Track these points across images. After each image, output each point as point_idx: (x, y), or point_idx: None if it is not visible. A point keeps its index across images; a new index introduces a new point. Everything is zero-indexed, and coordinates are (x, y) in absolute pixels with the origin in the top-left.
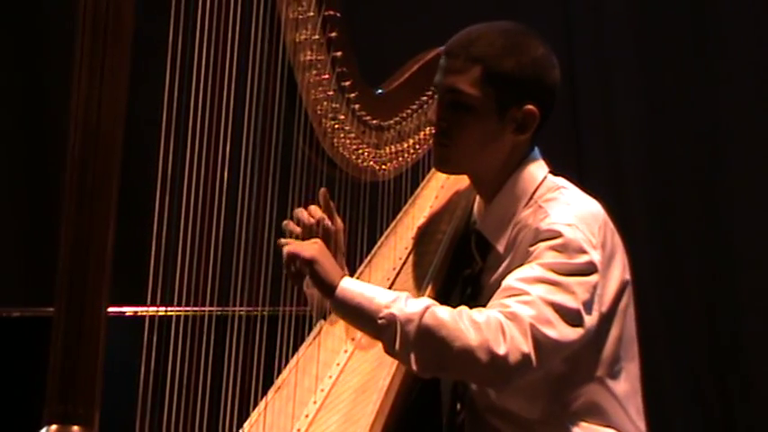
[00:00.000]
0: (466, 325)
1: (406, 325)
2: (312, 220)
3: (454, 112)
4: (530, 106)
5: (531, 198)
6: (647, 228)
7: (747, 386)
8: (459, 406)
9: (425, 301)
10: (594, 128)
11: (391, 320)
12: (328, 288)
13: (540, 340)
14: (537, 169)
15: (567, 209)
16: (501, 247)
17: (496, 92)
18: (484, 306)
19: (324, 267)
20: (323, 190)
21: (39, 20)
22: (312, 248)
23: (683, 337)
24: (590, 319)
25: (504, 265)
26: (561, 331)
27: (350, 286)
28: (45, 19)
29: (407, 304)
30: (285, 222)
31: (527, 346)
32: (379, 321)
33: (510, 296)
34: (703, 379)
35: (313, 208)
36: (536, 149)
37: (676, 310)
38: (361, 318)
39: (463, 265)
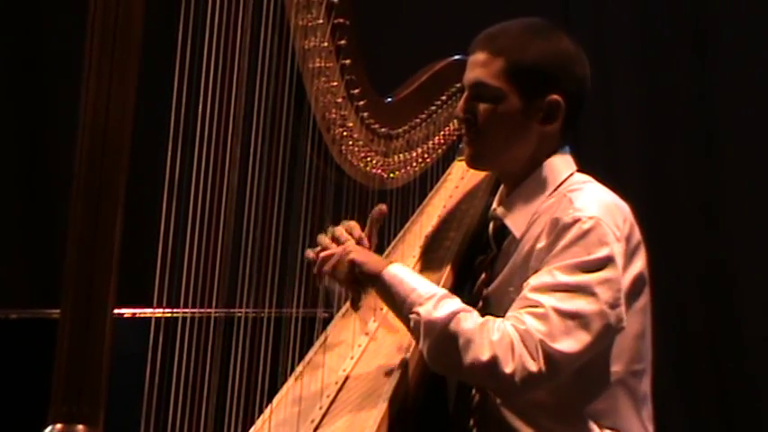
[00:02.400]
0: (481, 339)
1: (430, 328)
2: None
3: (480, 105)
4: (554, 96)
5: (555, 190)
6: (646, 227)
7: (747, 388)
8: (473, 391)
9: (455, 306)
10: (593, 126)
11: (417, 321)
12: (374, 279)
13: (551, 355)
14: (564, 164)
15: (592, 199)
16: (518, 234)
17: (520, 83)
18: (495, 293)
19: (365, 261)
20: (382, 208)
21: (41, 20)
22: (350, 250)
23: (682, 338)
24: (615, 315)
25: (519, 251)
26: (576, 339)
27: (395, 272)
28: (47, 19)
29: (437, 306)
30: (320, 237)
31: (535, 365)
32: (410, 316)
33: (525, 307)
34: (702, 381)
35: (352, 225)
36: (566, 147)
37: (675, 310)
38: (396, 308)
39: (477, 254)
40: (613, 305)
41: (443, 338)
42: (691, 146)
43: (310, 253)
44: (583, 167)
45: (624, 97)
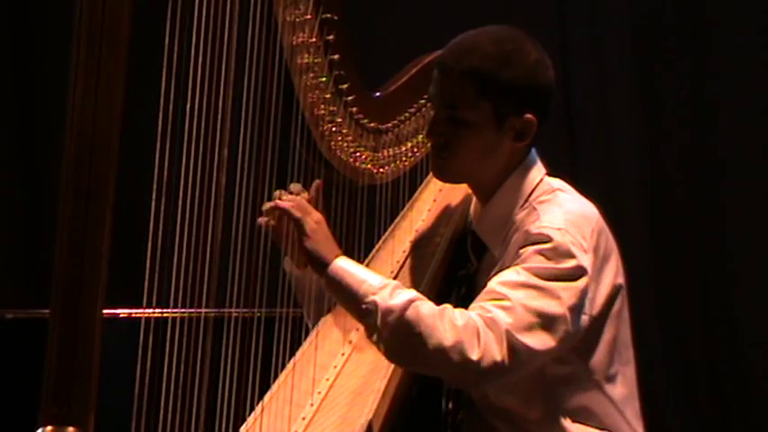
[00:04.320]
0: (444, 325)
1: (386, 315)
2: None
3: (451, 126)
4: (528, 115)
5: (526, 200)
6: (642, 230)
7: (743, 389)
8: (450, 404)
9: (411, 294)
10: (589, 131)
11: (372, 309)
12: (320, 263)
13: (515, 347)
14: (534, 171)
15: (558, 212)
16: (495, 249)
17: (492, 105)
18: None
19: (318, 240)
20: (317, 182)
21: (30, 20)
22: (310, 217)
23: (679, 341)
24: (576, 324)
25: (497, 266)
26: (539, 338)
27: (343, 265)
28: (37, 19)
29: (393, 295)
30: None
31: (499, 354)
32: (363, 306)
33: (491, 299)
34: (699, 382)
35: (292, 185)
36: (533, 151)
37: (671, 312)
38: (347, 299)
39: (459, 266)
40: (575, 311)
41: (402, 325)
42: (688, 145)
43: (262, 221)
44: (579, 169)
45: (620, 96)
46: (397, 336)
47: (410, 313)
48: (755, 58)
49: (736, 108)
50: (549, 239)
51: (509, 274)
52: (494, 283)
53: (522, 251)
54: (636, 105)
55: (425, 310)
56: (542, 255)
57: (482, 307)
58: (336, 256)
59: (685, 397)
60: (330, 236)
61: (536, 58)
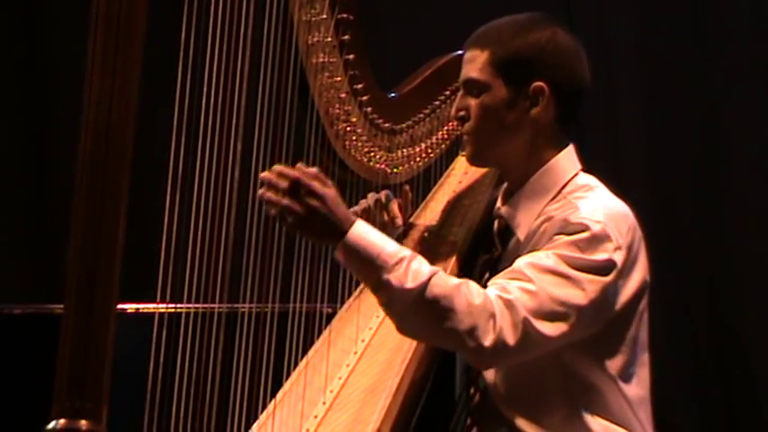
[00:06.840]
0: (460, 305)
1: (402, 294)
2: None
3: (471, 100)
4: (538, 82)
5: (559, 192)
6: (649, 227)
7: (750, 388)
8: (473, 390)
9: (426, 273)
10: (596, 125)
11: (387, 286)
12: (334, 233)
13: (529, 333)
14: (568, 164)
15: (598, 205)
16: (522, 236)
17: (504, 72)
18: None
19: (330, 210)
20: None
21: (44, 18)
22: (322, 187)
23: (685, 339)
24: (593, 318)
25: (523, 252)
26: (555, 326)
27: (359, 233)
28: (50, 17)
29: (408, 273)
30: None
31: (512, 339)
32: (382, 278)
33: (516, 279)
34: (705, 380)
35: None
36: (570, 146)
37: (678, 311)
38: (362, 272)
39: (484, 249)
40: (595, 306)
41: (418, 306)
42: (696, 143)
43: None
44: (585, 167)
45: (627, 94)
46: (411, 313)
47: (428, 292)
48: (762, 59)
49: (742, 108)
50: (586, 230)
51: (538, 257)
52: (521, 263)
53: (556, 237)
54: (643, 104)
55: (440, 290)
56: (576, 245)
57: (503, 287)
58: (351, 224)
59: (692, 396)
60: (340, 201)
61: (551, 33)
